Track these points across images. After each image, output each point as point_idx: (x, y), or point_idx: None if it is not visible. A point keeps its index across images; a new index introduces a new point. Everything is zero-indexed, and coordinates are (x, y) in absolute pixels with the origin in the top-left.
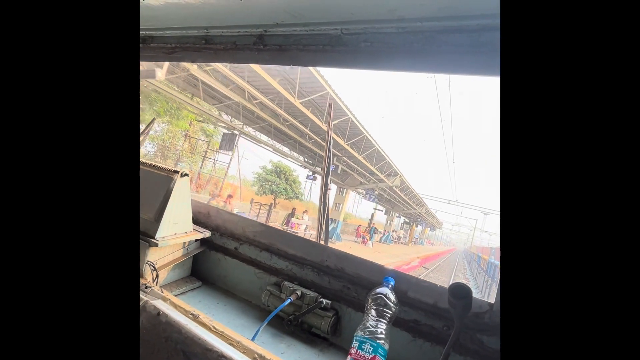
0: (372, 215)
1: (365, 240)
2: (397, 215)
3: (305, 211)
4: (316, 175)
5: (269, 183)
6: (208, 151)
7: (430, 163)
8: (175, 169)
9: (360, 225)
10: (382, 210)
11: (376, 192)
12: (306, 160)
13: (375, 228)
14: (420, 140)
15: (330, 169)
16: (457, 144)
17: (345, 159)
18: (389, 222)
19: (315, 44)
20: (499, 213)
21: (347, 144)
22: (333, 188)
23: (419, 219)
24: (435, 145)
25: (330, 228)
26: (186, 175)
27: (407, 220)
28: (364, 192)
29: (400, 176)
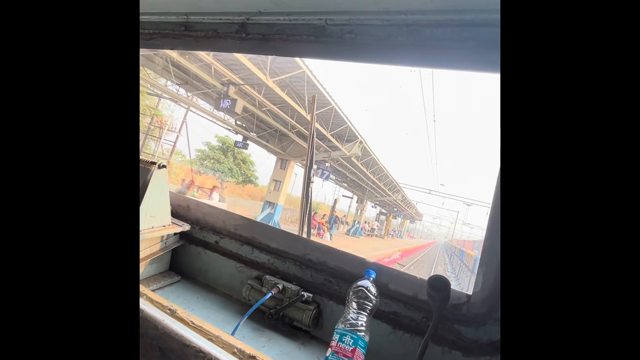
0: (336, 201)
1: (322, 231)
2: (373, 205)
3: (215, 187)
4: (248, 142)
5: (212, 161)
6: (151, 127)
7: (413, 155)
8: (153, 160)
9: (316, 212)
10: (352, 198)
11: (328, 164)
12: (238, 123)
13: (336, 217)
14: (403, 132)
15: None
16: (439, 136)
17: (278, 110)
18: (359, 211)
19: (299, 34)
20: (488, 206)
21: (276, 83)
22: (272, 159)
23: (395, 208)
24: (418, 138)
25: (265, 214)
26: (164, 167)
27: (383, 210)
28: (315, 167)
29: (362, 142)
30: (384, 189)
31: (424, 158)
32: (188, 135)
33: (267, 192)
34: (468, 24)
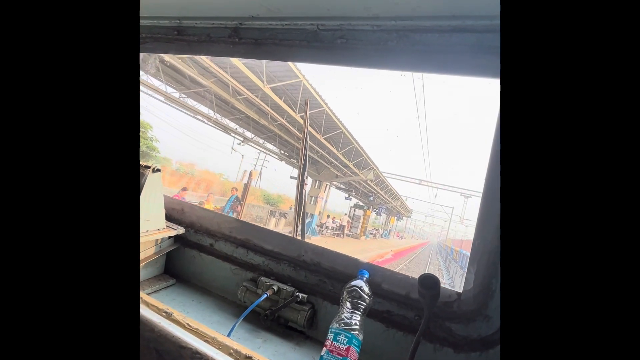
0: (250, 174)
1: None
2: (347, 196)
3: None
4: None
5: None
6: None
7: (404, 150)
8: (147, 164)
9: (184, 189)
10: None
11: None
12: None
13: (237, 198)
14: (394, 134)
15: (305, 165)
16: (431, 130)
17: None
18: (312, 199)
19: (292, 39)
20: (481, 201)
21: None
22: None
23: (371, 197)
24: (409, 134)
25: None
26: (158, 170)
27: (360, 203)
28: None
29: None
30: (347, 163)
31: (416, 152)
32: None
33: None
34: (456, 29)
